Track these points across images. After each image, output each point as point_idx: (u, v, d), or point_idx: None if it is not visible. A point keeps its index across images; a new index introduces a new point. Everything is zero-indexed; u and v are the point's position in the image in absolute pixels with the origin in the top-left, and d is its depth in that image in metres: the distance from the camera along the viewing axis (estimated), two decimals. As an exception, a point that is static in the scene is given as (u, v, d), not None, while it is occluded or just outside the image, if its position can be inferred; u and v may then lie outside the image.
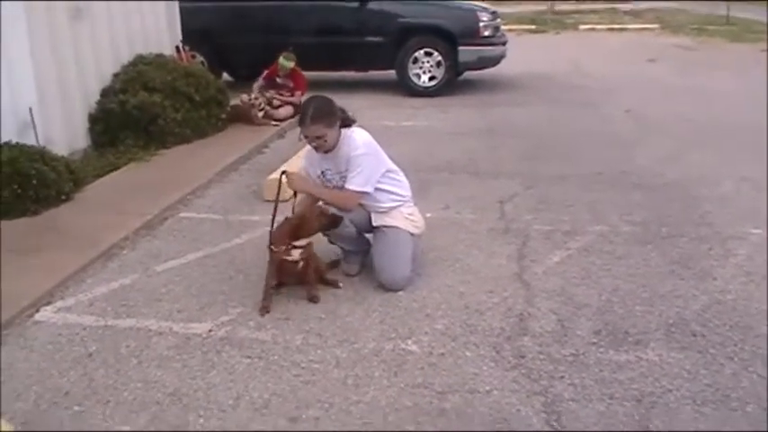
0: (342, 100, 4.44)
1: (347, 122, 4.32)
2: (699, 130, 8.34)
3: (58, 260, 4.67)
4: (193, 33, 9.47)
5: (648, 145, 7.66)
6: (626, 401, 3.15)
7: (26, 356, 3.65)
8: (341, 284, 4.35)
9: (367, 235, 4.56)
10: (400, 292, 4.23)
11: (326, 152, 4.29)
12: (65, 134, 6.65)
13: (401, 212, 4.42)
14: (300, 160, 4.82)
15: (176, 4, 9.01)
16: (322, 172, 4.38)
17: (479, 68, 11.25)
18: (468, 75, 11.49)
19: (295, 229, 4.10)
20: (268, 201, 5.54)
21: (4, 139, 5.72)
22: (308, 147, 4.37)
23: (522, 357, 3.53)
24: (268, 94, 8.97)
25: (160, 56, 8.15)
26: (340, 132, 4.25)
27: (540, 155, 7.32)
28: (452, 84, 10.97)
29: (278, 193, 4.21)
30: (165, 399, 3.25)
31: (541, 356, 3.53)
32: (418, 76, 10.80)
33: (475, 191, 6.15)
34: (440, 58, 10.68)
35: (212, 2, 11.10)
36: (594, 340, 3.67)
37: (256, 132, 8.31)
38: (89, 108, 7.20)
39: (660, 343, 3.63)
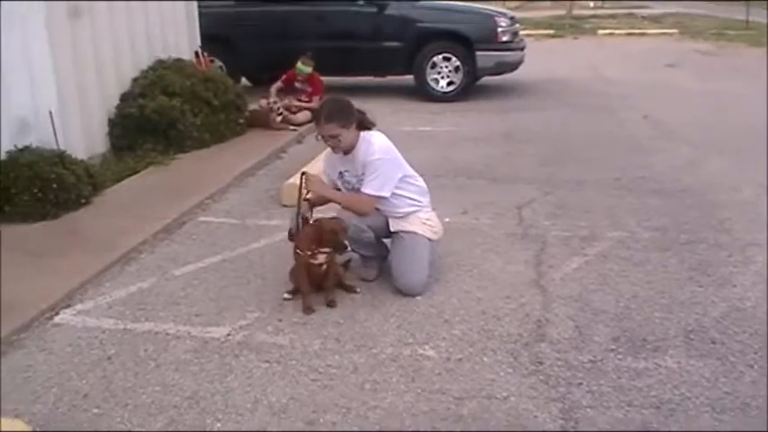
0: (359, 105, 4.44)
1: (366, 125, 4.32)
2: (718, 135, 8.27)
3: (77, 263, 4.70)
4: (212, 38, 9.51)
5: (667, 150, 7.60)
6: (644, 409, 3.13)
7: (45, 359, 3.68)
8: (358, 290, 4.35)
9: (385, 240, 4.56)
10: (418, 298, 4.23)
11: (345, 153, 4.30)
12: (84, 138, 6.68)
13: (419, 218, 4.41)
14: (320, 163, 4.83)
15: (195, 8, 9.05)
16: (340, 173, 4.40)
17: (498, 74, 11.19)
18: (485, 80, 11.45)
19: (318, 233, 4.11)
20: (286, 205, 5.59)
21: (25, 143, 5.78)
22: (329, 149, 4.39)
23: (540, 363, 3.52)
24: (286, 99, 8.99)
25: (179, 60, 8.18)
26: (357, 134, 4.26)
27: (558, 160, 7.29)
28: (470, 89, 10.94)
29: (299, 194, 4.24)
30: (183, 402, 3.27)
31: (559, 363, 3.51)
32: (436, 81, 10.77)
33: (493, 196, 6.13)
34: (458, 63, 10.64)
35: (231, 8, 11.17)
36: (613, 347, 3.65)
37: (274, 137, 8.33)
38: (108, 112, 7.24)
39: (679, 350, 3.61)
